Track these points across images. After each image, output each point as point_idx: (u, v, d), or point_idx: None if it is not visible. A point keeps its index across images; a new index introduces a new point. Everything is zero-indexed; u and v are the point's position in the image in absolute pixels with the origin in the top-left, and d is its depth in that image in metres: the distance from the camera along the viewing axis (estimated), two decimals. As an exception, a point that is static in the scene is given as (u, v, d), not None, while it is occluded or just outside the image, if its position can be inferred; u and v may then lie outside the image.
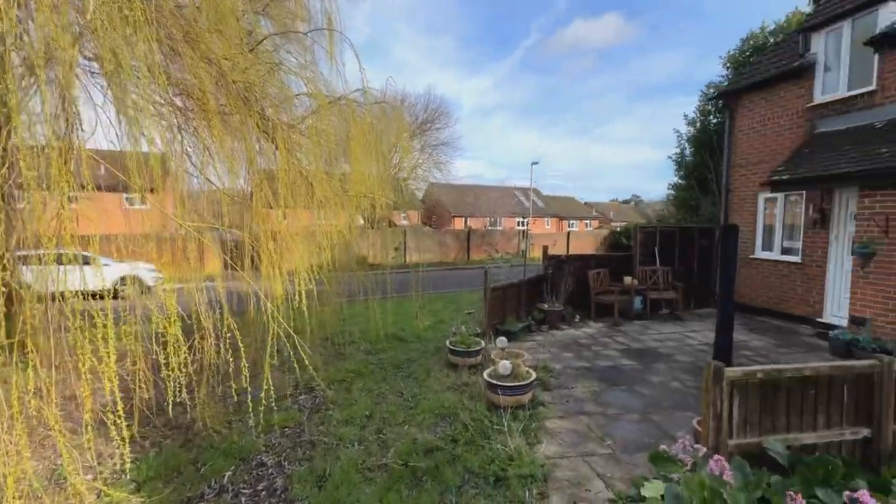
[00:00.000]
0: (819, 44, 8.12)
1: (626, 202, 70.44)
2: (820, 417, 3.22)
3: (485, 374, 4.73)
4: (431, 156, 26.29)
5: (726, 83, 16.40)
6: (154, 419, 4.10)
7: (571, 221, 49.23)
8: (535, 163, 32.26)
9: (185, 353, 3.32)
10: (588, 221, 51.23)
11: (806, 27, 8.43)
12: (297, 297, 3.84)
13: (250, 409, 3.37)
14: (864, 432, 3.26)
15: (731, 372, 3.03)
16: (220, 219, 4.20)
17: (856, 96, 7.51)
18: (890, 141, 6.50)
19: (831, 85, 7.97)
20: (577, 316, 9.06)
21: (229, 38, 4.27)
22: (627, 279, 9.43)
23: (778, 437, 3.13)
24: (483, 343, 6.21)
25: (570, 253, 30.51)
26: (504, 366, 4.54)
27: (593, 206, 56.84)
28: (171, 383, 3.20)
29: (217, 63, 4.05)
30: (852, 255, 6.63)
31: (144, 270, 9.61)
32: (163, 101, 4.27)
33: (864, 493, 2.47)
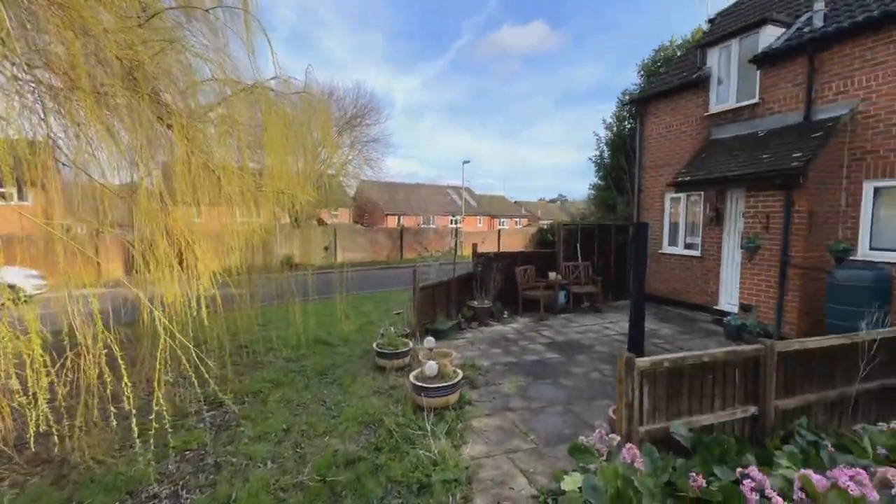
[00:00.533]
0: (713, 59, 9.01)
1: (552, 201, 74.19)
2: (717, 400, 3.49)
3: (411, 377, 4.60)
4: (362, 152, 25.63)
5: (638, 91, 17.68)
6: (14, 455, 3.44)
7: (502, 220, 50.80)
8: (466, 161, 32.85)
9: (50, 374, 2.81)
10: (518, 220, 53.17)
11: (703, 43, 9.30)
12: (195, 302, 3.42)
13: (135, 434, 2.93)
14: (752, 410, 3.59)
15: (641, 363, 3.18)
16: (99, 216, 3.62)
17: (743, 107, 8.42)
18: (770, 148, 7.36)
19: (723, 96, 8.88)
20: (506, 312, 9.25)
21: (117, 8, 3.71)
22: (552, 275, 9.81)
23: (682, 420, 3.34)
24: (411, 344, 6.07)
25: (501, 250, 31.33)
26: (430, 367, 4.44)
27: (522, 205, 59.11)
28: (34, 411, 2.68)
29: (96, 36, 3.49)
30: (741, 248, 7.43)
31: (22, 277, 8.23)
32: (25, 77, 3.60)
33: (752, 469, 2.68)
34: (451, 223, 41.76)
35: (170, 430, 3.56)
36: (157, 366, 3.01)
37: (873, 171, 6.61)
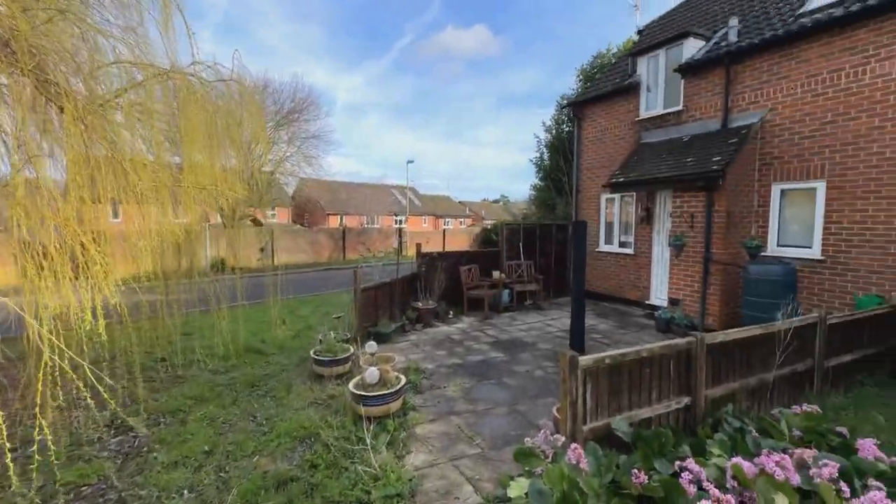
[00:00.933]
0: (643, 67, 9.52)
1: (495, 202, 75.84)
2: (654, 392, 3.58)
3: (350, 385, 4.32)
4: (301, 149, 24.45)
5: (575, 95, 18.37)
6: None
7: (447, 219, 51.07)
8: (410, 161, 32.53)
9: None
10: (462, 220, 53.73)
11: (633, 52, 9.81)
12: (91, 313, 2.93)
13: (11, 472, 2.43)
14: (686, 400, 3.74)
15: (584, 361, 3.17)
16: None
17: (669, 114, 8.97)
18: (693, 152, 7.87)
19: (652, 103, 9.41)
20: (451, 312, 9.16)
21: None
22: (496, 274, 9.87)
23: (623, 416, 3.38)
24: (352, 349, 5.77)
25: (446, 250, 31.35)
26: (371, 374, 4.20)
27: (467, 205, 59.82)
28: None
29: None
30: (669, 246, 7.90)
31: None
32: None
33: (689, 461, 2.74)
34: (396, 223, 41.30)
35: (62, 461, 3.05)
36: (39, 388, 2.52)
37: (780, 174, 7.28)
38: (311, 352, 5.64)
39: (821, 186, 6.82)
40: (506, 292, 9.85)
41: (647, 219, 9.42)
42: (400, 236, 31.00)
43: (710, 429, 3.67)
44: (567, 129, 19.41)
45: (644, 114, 9.50)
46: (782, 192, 7.31)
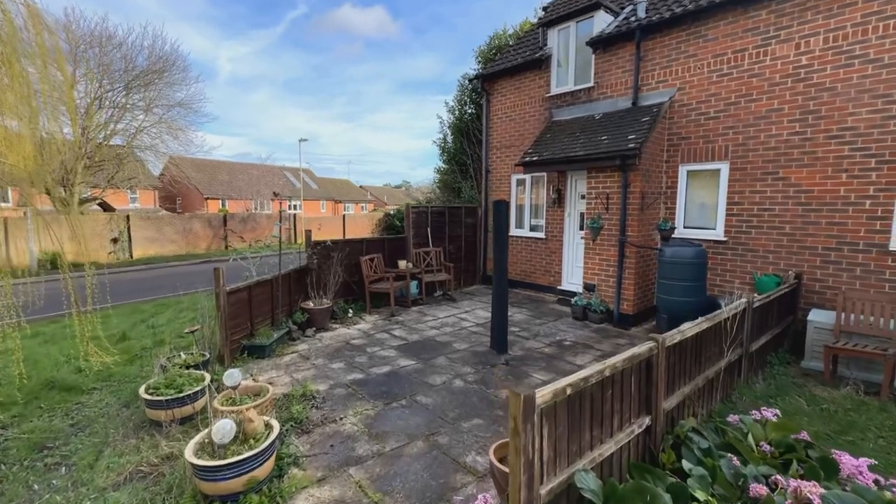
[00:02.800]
0: (553, 39, 8.97)
1: (397, 187, 74.25)
2: (615, 418, 2.78)
3: (189, 450, 2.83)
4: (164, 119, 20.26)
5: (482, 68, 17.66)
6: None
7: (347, 204, 48.31)
8: (303, 139, 29.35)
9: None
10: (364, 205, 51.35)
11: (544, 22, 9.21)
12: None
13: None
14: (646, 421, 3.01)
15: (542, 397, 2.18)
16: None
17: (580, 90, 8.55)
18: (608, 131, 7.50)
19: (562, 79, 8.93)
20: (351, 310, 7.81)
21: None
22: (402, 263, 8.72)
23: (586, 460, 2.50)
24: (208, 378, 4.16)
25: (347, 237, 29.30)
26: (222, 429, 2.76)
27: (368, 190, 57.40)
28: None
29: None
30: (586, 229, 7.50)
31: None
32: None
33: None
34: (290, 208, 37.66)
35: None
36: None
37: (687, 155, 7.22)
38: (142, 388, 3.91)
39: (724, 168, 6.85)
40: (414, 284, 8.76)
41: (558, 201, 9.01)
42: (281, 221, 28.09)
43: (672, 451, 3.00)
44: (470, 110, 18.74)
45: (555, 90, 9.00)
46: (689, 173, 7.28)
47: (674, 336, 3.27)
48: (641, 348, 2.96)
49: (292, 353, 5.88)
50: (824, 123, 5.91)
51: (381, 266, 8.55)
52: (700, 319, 3.74)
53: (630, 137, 6.92)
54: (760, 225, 6.54)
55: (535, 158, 8.16)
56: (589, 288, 7.62)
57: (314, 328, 6.80)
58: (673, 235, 7.20)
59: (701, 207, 7.22)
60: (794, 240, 6.25)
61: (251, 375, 4.99)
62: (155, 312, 8.60)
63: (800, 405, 4.38)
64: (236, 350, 5.53)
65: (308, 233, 7.42)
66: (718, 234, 6.98)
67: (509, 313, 7.81)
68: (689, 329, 3.48)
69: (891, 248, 5.53)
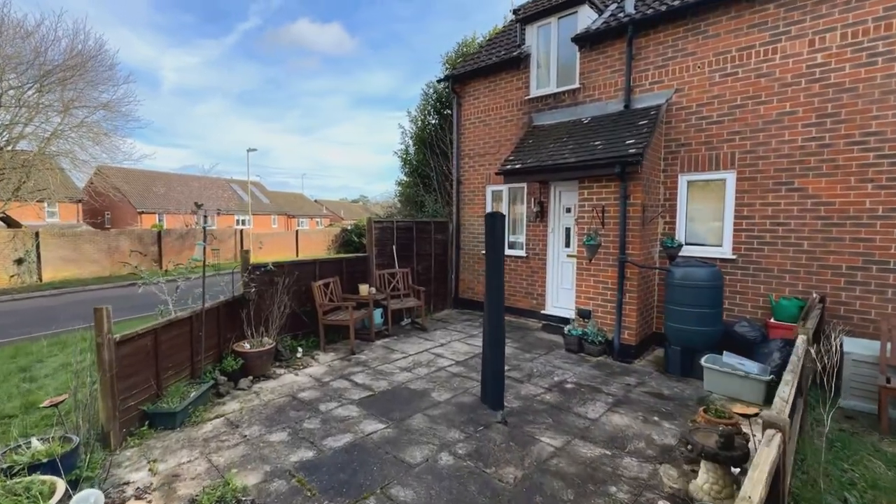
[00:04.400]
0: (532, 37, 8.11)
1: (354, 201, 72.12)
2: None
3: None
4: (86, 123, 17.74)
5: (445, 83, 16.77)
6: None
7: (301, 219, 45.81)
8: (252, 149, 27.08)
9: None
10: (319, 219, 49.00)
11: (521, 18, 8.35)
12: None
13: None
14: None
15: None
16: None
17: (564, 93, 7.70)
18: (600, 135, 6.63)
19: (543, 80, 8.06)
20: (300, 349, 6.33)
21: None
22: (364, 288, 7.36)
23: None
24: (62, 486, 2.64)
25: (300, 255, 27.30)
26: None
27: (323, 204, 55.05)
28: None
29: None
30: (580, 247, 6.53)
31: None
32: None
33: None
34: (238, 223, 34.95)
35: None
36: None
37: (687, 164, 6.45)
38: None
39: (730, 177, 6.12)
40: (378, 312, 7.41)
41: (540, 215, 8.04)
42: (202, 239, 25.71)
43: None
44: (434, 121, 17.82)
45: (535, 92, 8.11)
46: (690, 183, 6.51)
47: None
48: (771, 450, 1.84)
49: (217, 417, 4.37)
50: (845, 128, 5.28)
51: (339, 292, 7.14)
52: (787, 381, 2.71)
53: (629, 142, 6.06)
54: (774, 241, 5.82)
55: (517, 167, 7.15)
56: (583, 315, 6.61)
57: (251, 377, 5.29)
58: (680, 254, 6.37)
59: (705, 222, 6.45)
60: (814, 258, 5.54)
61: (148, 463, 3.47)
62: (46, 355, 6.70)
63: (876, 469, 3.48)
64: (133, 420, 3.96)
65: (245, 254, 5.92)
66: (725, 251, 6.21)
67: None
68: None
69: (926, 268, 4.89)
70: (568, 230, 7.78)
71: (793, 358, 3.05)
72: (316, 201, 54.93)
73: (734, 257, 6.12)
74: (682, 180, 6.54)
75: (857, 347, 4.80)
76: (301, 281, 6.66)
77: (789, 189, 5.67)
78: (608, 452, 3.71)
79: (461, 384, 5.25)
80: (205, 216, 5.08)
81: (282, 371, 5.68)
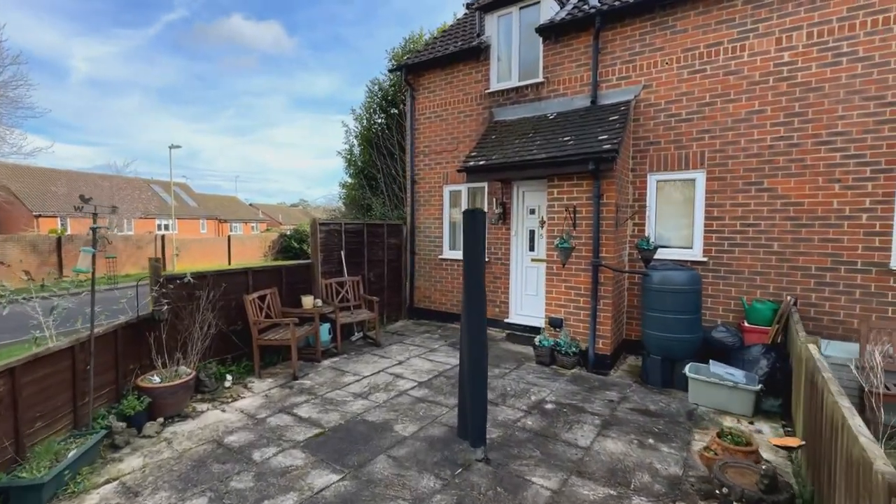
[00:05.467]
0: (493, 27, 7.60)
1: (294, 206, 68.66)
2: None
3: None
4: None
5: (392, 80, 16.02)
6: None
7: (235, 224, 42.49)
8: (175, 146, 24.29)
9: None
10: (255, 224, 45.80)
11: (480, 5, 7.81)
12: None
13: None
14: None
15: None
16: None
17: (526, 87, 7.25)
18: (569, 131, 6.21)
19: (505, 73, 7.57)
20: (230, 376, 5.23)
21: None
22: (308, 300, 6.37)
23: None
24: None
25: (232, 263, 25.02)
26: None
27: (260, 208, 51.68)
28: None
29: None
30: (554, 249, 6.02)
31: None
32: None
33: None
34: (160, 228, 31.54)
35: None
36: None
37: (656, 163, 6.20)
38: None
39: (700, 177, 5.93)
40: (325, 327, 6.45)
41: (502, 217, 7.51)
42: (161, 245, 22.96)
43: None
44: (380, 120, 16.96)
45: (496, 85, 7.59)
46: (659, 183, 6.27)
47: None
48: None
49: (109, 481, 3.26)
50: (812, 127, 5.23)
51: (277, 306, 6.10)
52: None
53: (601, 138, 5.67)
54: (745, 242, 5.67)
55: (481, 163, 6.55)
56: (555, 324, 6.11)
57: (161, 419, 4.16)
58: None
59: (674, 223, 6.22)
60: (784, 259, 5.44)
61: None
62: None
63: None
64: (-26, 501, 2.78)
65: (155, 263, 4.75)
66: (696, 253, 6.00)
67: (453, 361, 5.93)
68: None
69: (892, 267, 4.89)
70: (532, 233, 7.31)
71: (826, 376, 2.64)
72: (251, 205, 51.44)
73: (705, 259, 5.92)
74: (652, 180, 6.28)
75: (834, 350, 4.67)
76: (230, 294, 5.56)
77: (759, 189, 5.55)
78: (613, 492, 3.13)
79: (428, 411, 4.49)
80: (94, 215, 3.92)
81: (204, 407, 4.58)
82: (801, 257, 5.34)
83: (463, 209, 8.12)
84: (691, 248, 6.06)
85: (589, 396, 4.90)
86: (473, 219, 3.39)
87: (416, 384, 5.26)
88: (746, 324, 5.46)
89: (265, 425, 4.18)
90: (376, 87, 17.58)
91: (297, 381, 5.34)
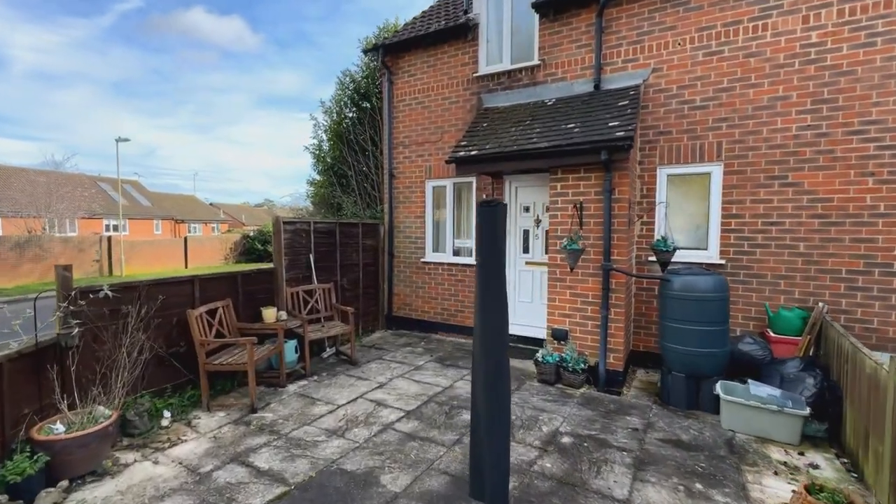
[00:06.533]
0: (481, 2, 6.82)
1: (259, 206, 65.76)
2: None
3: None
4: None
5: (365, 72, 15.05)
6: None
7: (193, 225, 39.94)
8: (122, 139, 22.03)
9: None
10: (216, 225, 43.29)
11: (467, -21, 7.01)
12: None
13: None
14: None
15: None
16: None
17: (520, 70, 6.51)
18: (574, 117, 5.50)
19: (496, 55, 6.80)
20: (168, 412, 4.18)
21: None
22: (270, 313, 5.36)
23: None
24: None
25: (188, 268, 23.19)
26: None
27: (221, 208, 49.03)
28: None
29: None
30: (561, 251, 5.29)
31: None
32: None
33: None
34: (107, 229, 29.06)
35: None
36: None
37: (667, 155, 5.59)
38: None
39: (717, 171, 5.35)
40: (290, 345, 5.45)
41: (493, 215, 6.71)
42: (108, 248, 20.90)
43: None
44: (352, 114, 15.88)
45: (486, 69, 6.81)
46: (670, 178, 5.65)
47: None
48: None
49: None
50: (843, 115, 4.72)
51: (231, 321, 5.07)
52: None
53: (613, 125, 4.98)
54: (767, 243, 5.12)
55: (472, 153, 5.74)
56: (559, 336, 5.38)
57: (66, 481, 3.10)
58: (653, 259, 5.44)
59: (687, 222, 5.62)
60: (811, 261, 4.92)
61: None
62: None
63: None
64: None
65: (63, 273, 3.64)
66: (712, 255, 5.42)
67: (444, 381, 5.09)
68: None
69: (931, 270, 4.44)
70: (527, 233, 6.57)
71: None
72: (212, 205, 48.74)
73: (722, 262, 5.34)
74: (662, 174, 5.66)
75: (878, 364, 4.15)
76: (171, 308, 4.50)
77: (783, 184, 5.01)
78: (679, 573, 2.37)
79: (421, 453, 3.63)
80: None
81: (131, 458, 3.54)
82: (830, 259, 4.83)
83: (448, 207, 7.30)
84: (706, 249, 5.48)
85: (609, 424, 4.18)
86: (493, 214, 2.56)
87: (402, 414, 4.38)
88: (771, 333, 4.90)
89: (211, 483, 3.20)
90: (348, 80, 16.49)
91: (256, 415, 4.35)
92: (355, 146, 15.22)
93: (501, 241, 2.56)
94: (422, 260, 7.54)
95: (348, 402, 4.66)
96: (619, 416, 4.36)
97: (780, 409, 3.80)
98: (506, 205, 2.65)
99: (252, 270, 5.61)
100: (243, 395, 4.76)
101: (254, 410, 4.42)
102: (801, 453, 3.65)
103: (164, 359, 4.44)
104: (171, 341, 4.51)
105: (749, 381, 4.12)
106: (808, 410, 3.74)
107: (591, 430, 4.06)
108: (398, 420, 4.25)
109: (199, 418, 4.28)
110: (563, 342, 5.35)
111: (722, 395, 4.10)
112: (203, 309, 4.66)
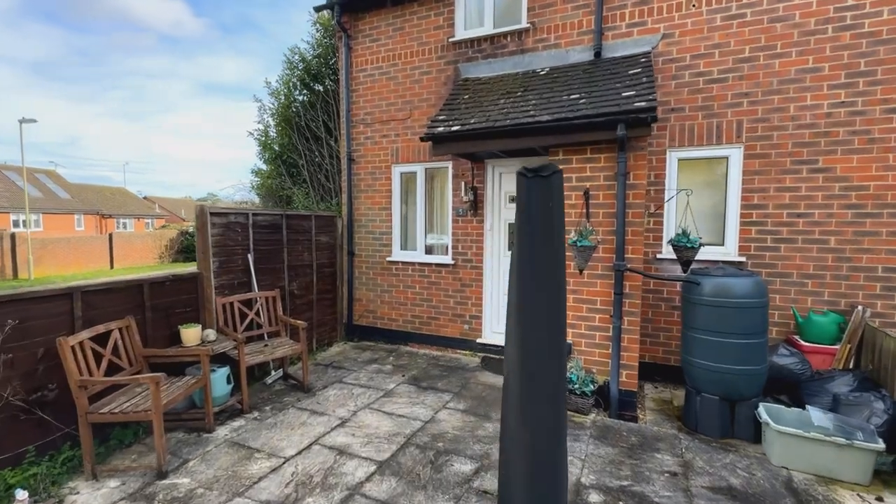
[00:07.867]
0: (458, -46, 5.76)
1: (201, 200, 61.12)
2: None
3: None
4: None
5: (318, 50, 13.52)
6: None
7: (124, 220, 36.03)
8: (27, 120, 18.80)
9: None
10: (150, 220, 39.40)
11: (441, -74, 5.90)
12: None
13: None
14: None
15: None
16: None
17: (505, 35, 5.52)
18: (577, 88, 4.58)
19: (474, 17, 5.78)
20: (22, 494, 2.82)
21: None
22: (192, 332, 4.05)
23: None
24: None
25: (114, 270, 20.69)
26: None
27: (156, 202, 44.86)
28: None
29: None
30: (571, 248, 4.38)
31: None
32: None
33: None
34: (16, 225, 25.36)
35: None
36: None
37: (679, 136, 4.82)
38: None
39: (736, 154, 4.64)
40: (222, 374, 4.17)
41: (473, 206, 5.74)
42: (12, 246, 17.92)
43: None
44: (302, 97, 14.26)
45: (464, 33, 5.78)
46: (681, 162, 4.89)
47: None
48: None
49: None
50: (881, 91, 4.12)
51: (135, 347, 3.73)
52: None
53: (628, 94, 4.11)
54: (793, 237, 4.47)
55: (454, 129, 4.69)
56: (561, 350, 4.46)
57: None
58: (659, 256, 4.67)
59: (701, 213, 4.88)
60: (843, 258, 4.31)
61: None
62: None
63: None
64: None
65: None
66: (730, 251, 4.72)
67: (419, 410, 4.01)
68: None
69: (978, 268, 3.92)
70: (511, 226, 5.62)
71: None
72: (146, 198, 44.46)
73: (741, 259, 4.65)
74: (672, 158, 4.89)
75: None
76: (34, 335, 3.12)
77: (812, 169, 4.36)
78: None
79: (405, 535, 2.56)
80: None
81: (-60, 584, 2.21)
82: (865, 255, 4.24)
83: (419, 195, 6.21)
84: (722, 244, 4.77)
85: (638, 467, 3.30)
86: (546, 187, 1.53)
87: (374, 467, 3.28)
88: (801, 341, 4.26)
89: None
90: (297, 58, 14.78)
91: (166, 482, 3.09)
92: (307, 133, 13.66)
93: (560, 228, 1.54)
94: (388, 259, 6.41)
95: (299, 453, 3.48)
96: (646, 454, 3.50)
97: (848, 443, 3.07)
98: (561, 172, 1.62)
99: (165, 277, 4.23)
100: (150, 448, 3.47)
101: (162, 475, 3.15)
102: (880, 499, 2.93)
103: (23, 409, 3.06)
104: (36, 383, 3.13)
105: (808, 406, 3.38)
106: (882, 444, 3.04)
107: (620, 479, 3.16)
108: (367, 478, 3.15)
109: (78, 492, 2.97)
110: (567, 356, 4.44)
111: (771, 424, 3.33)
112: (86, 334, 3.31)
